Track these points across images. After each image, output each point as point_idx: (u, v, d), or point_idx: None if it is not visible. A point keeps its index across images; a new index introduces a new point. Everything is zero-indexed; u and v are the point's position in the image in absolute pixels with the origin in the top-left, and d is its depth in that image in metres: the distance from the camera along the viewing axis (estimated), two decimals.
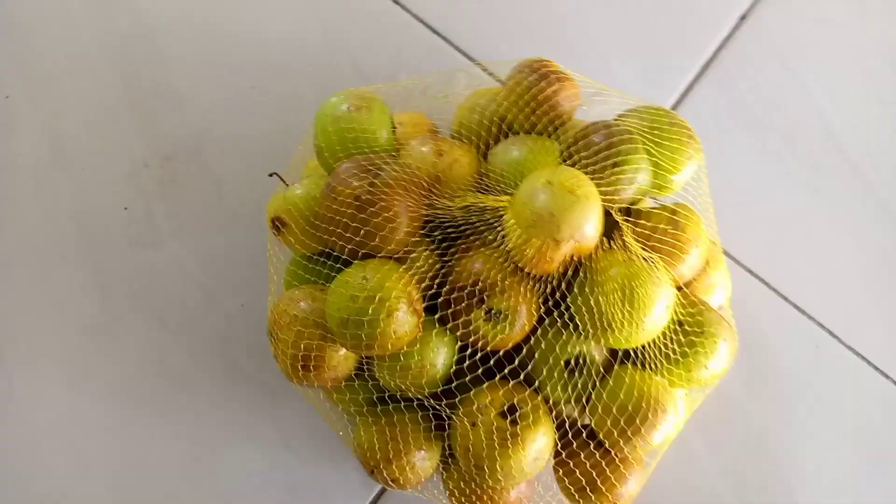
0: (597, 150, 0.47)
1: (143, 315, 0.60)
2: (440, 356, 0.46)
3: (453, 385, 0.46)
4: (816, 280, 0.63)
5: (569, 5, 0.67)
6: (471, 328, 0.44)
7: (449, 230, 0.46)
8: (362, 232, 0.43)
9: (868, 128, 0.66)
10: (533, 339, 0.46)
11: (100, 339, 0.59)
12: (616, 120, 0.50)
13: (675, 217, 0.49)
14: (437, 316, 0.45)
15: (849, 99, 0.67)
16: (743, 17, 0.68)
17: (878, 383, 0.61)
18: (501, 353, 0.47)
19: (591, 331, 0.45)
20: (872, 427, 0.60)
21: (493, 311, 0.44)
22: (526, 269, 0.44)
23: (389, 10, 0.66)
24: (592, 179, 0.46)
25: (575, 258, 0.44)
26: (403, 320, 0.43)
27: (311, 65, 0.64)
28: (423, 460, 0.49)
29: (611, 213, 0.46)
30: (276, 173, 0.51)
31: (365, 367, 0.48)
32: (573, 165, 0.48)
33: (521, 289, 0.45)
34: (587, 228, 0.43)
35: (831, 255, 0.63)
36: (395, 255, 0.45)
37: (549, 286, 0.45)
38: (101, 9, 0.64)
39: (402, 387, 0.46)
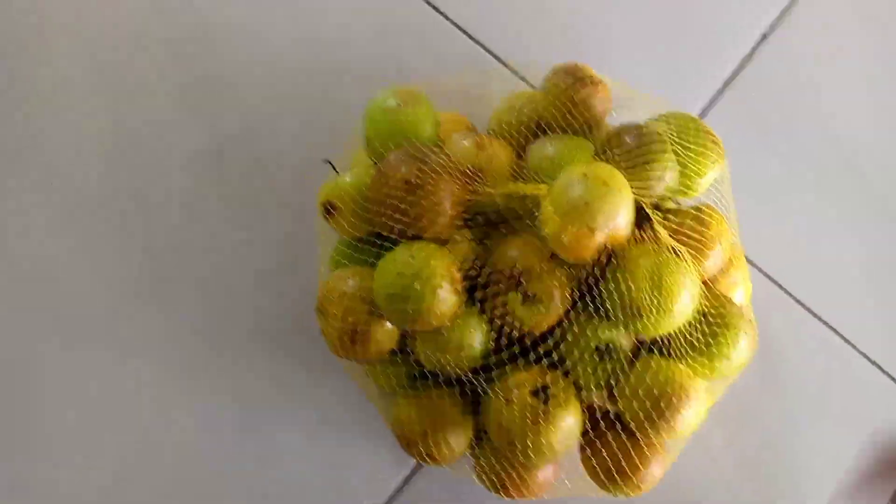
0: (629, 150, 0.50)
1: (193, 295, 0.63)
2: (477, 336, 0.48)
3: (491, 361, 0.49)
4: (830, 286, 0.65)
5: (598, 16, 0.70)
6: (507, 309, 0.47)
7: (490, 217, 0.49)
8: (411, 213, 0.46)
9: (885, 147, 0.69)
10: (565, 324, 0.49)
11: (152, 314, 0.62)
12: (646, 123, 0.54)
13: (700, 215, 0.52)
14: (476, 297, 0.48)
15: (866, 117, 0.69)
16: (764, 36, 0.71)
17: (886, 386, 0.63)
18: (535, 336, 0.49)
19: (620, 317, 0.47)
20: (879, 427, 0.62)
21: (529, 295, 0.47)
22: (561, 256, 0.47)
23: (430, 16, 0.69)
24: (625, 175, 0.49)
25: (608, 247, 0.46)
26: (445, 298, 0.46)
27: (357, 66, 0.67)
28: (458, 438, 0.51)
29: (642, 207, 0.49)
30: (328, 160, 0.54)
31: (407, 345, 0.50)
32: (607, 162, 0.51)
33: (556, 275, 0.47)
34: (619, 218, 0.45)
35: (842, 262, 0.66)
36: (439, 238, 0.48)
37: (582, 274, 0.48)
38: (163, 6, 0.68)
39: (441, 362, 0.48)
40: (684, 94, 0.69)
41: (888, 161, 0.68)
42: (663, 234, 0.48)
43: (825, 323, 0.64)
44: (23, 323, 0.62)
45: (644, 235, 0.48)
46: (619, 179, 0.46)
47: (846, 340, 0.64)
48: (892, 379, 0.63)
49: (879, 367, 0.64)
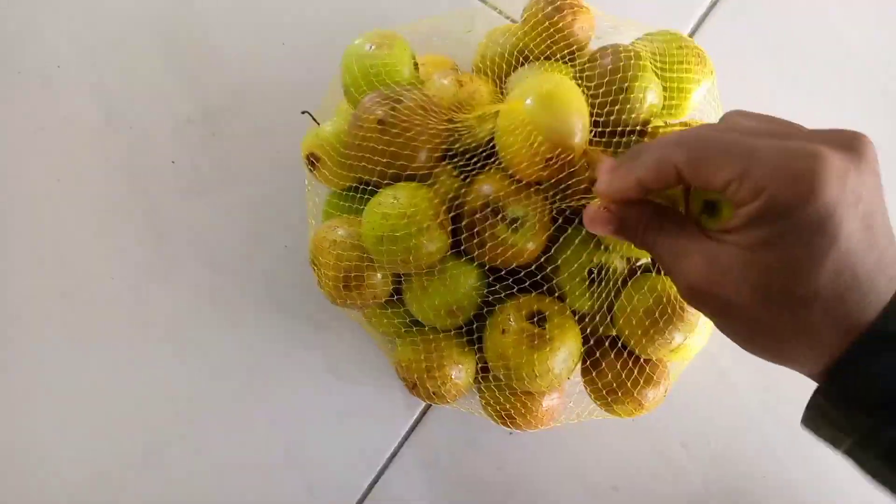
0: (603, 73, 0.49)
1: (194, 259, 0.64)
2: (468, 281, 0.49)
3: (489, 299, 0.49)
4: None
5: None
6: (498, 241, 0.46)
7: (469, 148, 0.49)
8: (388, 153, 0.46)
9: (887, 43, 0.66)
10: (555, 251, 0.49)
11: (155, 282, 0.64)
12: (624, 45, 0.53)
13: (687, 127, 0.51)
14: (462, 238, 0.48)
15: (871, 21, 0.67)
16: None
17: None
18: (528, 269, 0.49)
19: (608, 241, 0.47)
20: None
21: (513, 220, 0.46)
22: (519, 175, 0.46)
23: None
24: (601, 100, 0.49)
25: (561, 161, 0.45)
26: (433, 236, 0.46)
27: (337, 18, 0.67)
28: (460, 372, 0.52)
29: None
30: (307, 112, 0.54)
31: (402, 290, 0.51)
32: (583, 89, 0.50)
33: (531, 195, 0.47)
34: (564, 127, 0.44)
35: None
36: (420, 175, 0.48)
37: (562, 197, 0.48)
38: None
39: (436, 312, 0.49)
40: (673, 12, 0.68)
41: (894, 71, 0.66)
42: None
43: None
44: (30, 309, 0.64)
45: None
46: (564, 91, 0.45)
47: None
48: None
49: None
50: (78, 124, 0.66)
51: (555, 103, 0.44)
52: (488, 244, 0.47)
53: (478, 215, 0.46)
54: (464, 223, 0.47)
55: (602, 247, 0.48)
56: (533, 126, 0.44)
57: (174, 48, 0.67)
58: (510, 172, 0.46)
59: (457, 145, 0.48)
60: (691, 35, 0.67)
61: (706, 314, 0.36)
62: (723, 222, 0.34)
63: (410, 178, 0.48)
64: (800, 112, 0.63)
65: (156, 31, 0.68)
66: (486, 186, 0.47)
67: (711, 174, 0.32)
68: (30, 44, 0.67)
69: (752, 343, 0.35)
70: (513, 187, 0.46)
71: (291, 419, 0.62)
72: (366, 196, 0.50)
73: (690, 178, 0.33)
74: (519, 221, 0.46)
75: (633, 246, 0.47)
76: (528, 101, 0.44)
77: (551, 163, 0.44)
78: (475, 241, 0.47)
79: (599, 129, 0.49)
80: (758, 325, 0.33)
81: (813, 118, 0.63)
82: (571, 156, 0.44)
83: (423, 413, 0.62)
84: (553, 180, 0.45)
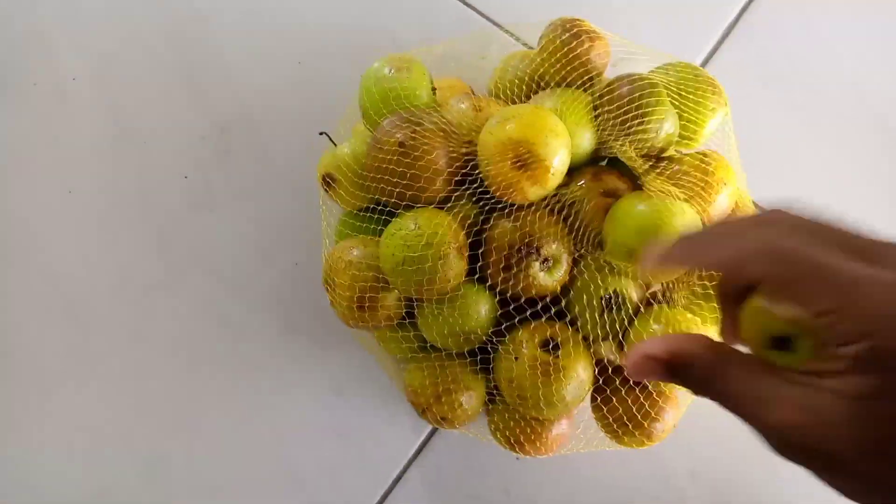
0: (622, 102, 0.50)
1: (203, 274, 0.64)
2: (482, 308, 0.49)
3: (502, 327, 0.49)
4: None
5: None
6: (531, 279, 0.47)
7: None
8: (407, 176, 0.46)
9: (890, 77, 0.67)
10: (570, 279, 0.49)
11: (163, 296, 0.64)
12: (641, 74, 0.53)
13: (703, 161, 0.51)
14: (480, 274, 0.48)
15: (872, 54, 0.68)
16: None
17: None
18: (544, 298, 0.49)
19: (622, 267, 0.47)
20: None
21: (547, 260, 0.47)
22: (499, 195, 0.47)
23: None
24: (619, 127, 0.49)
25: (538, 180, 0.46)
26: (453, 263, 0.46)
27: (351, 39, 0.68)
28: (470, 398, 0.52)
29: (617, 158, 0.49)
30: (325, 133, 0.54)
31: (415, 313, 0.51)
32: (599, 117, 0.50)
33: (561, 234, 0.48)
34: (543, 154, 0.45)
35: (857, 202, 0.64)
36: (438, 200, 0.48)
37: (580, 227, 0.48)
38: None
39: (449, 337, 0.49)
40: (686, 44, 0.68)
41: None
42: (652, 182, 0.48)
43: None
44: (36, 318, 0.64)
45: (637, 183, 0.48)
46: (539, 120, 0.46)
47: None
48: None
49: None
50: (92, 136, 0.66)
51: (534, 133, 0.45)
52: (521, 282, 0.47)
53: (514, 251, 0.47)
54: (495, 257, 0.47)
55: (617, 274, 0.49)
56: (513, 151, 0.45)
57: (190, 65, 0.68)
58: (498, 194, 0.47)
59: (476, 171, 0.48)
60: (703, 65, 0.68)
61: (806, 468, 0.31)
62: (804, 361, 0.29)
63: (428, 202, 0.48)
64: (808, 142, 0.65)
65: (172, 47, 0.68)
66: (512, 222, 0.47)
67: (804, 299, 0.28)
68: (45, 56, 0.67)
69: (870, 500, 0.30)
70: (551, 227, 0.47)
71: (296, 438, 0.61)
72: (382, 217, 0.50)
73: (772, 294, 0.29)
74: (552, 261, 0.47)
75: (646, 272, 0.48)
76: (504, 128, 0.46)
77: (523, 171, 0.45)
78: (504, 275, 0.47)
79: (613, 156, 0.50)
80: (877, 483, 0.29)
81: (820, 149, 0.65)
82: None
83: (430, 436, 0.62)
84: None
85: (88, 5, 0.69)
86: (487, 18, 0.68)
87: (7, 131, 0.66)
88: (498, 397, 0.53)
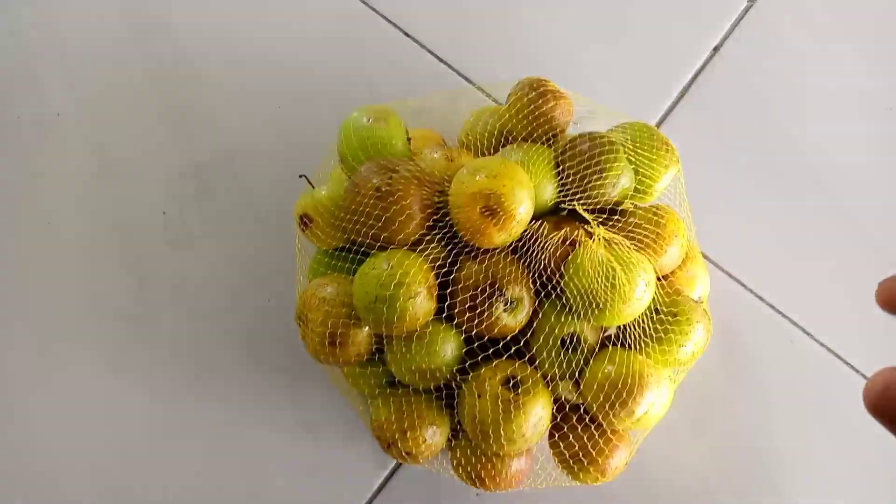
0: (582, 157, 0.54)
1: (176, 309, 0.65)
2: (448, 347, 0.51)
3: (466, 365, 0.52)
4: (787, 279, 0.68)
5: (559, 37, 0.74)
6: (494, 319, 0.50)
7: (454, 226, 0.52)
8: (383, 219, 0.49)
9: (830, 143, 0.72)
10: (531, 321, 0.52)
11: (137, 331, 0.65)
12: (601, 133, 0.57)
13: (656, 215, 0.55)
14: (447, 313, 0.51)
15: (812, 118, 0.73)
16: (716, 49, 0.75)
17: (846, 374, 0.67)
18: (507, 337, 0.52)
19: (580, 311, 0.51)
20: (841, 413, 0.65)
21: (511, 301, 0.50)
22: (467, 240, 0.50)
23: (400, 41, 0.73)
24: (578, 183, 0.53)
25: (504, 227, 0.49)
26: (422, 303, 0.49)
27: (330, 88, 0.71)
28: (435, 434, 0.53)
29: (575, 210, 0.53)
30: (304, 175, 0.57)
31: (384, 349, 0.53)
32: (561, 171, 0.54)
33: (524, 276, 0.51)
34: (508, 204, 0.49)
35: (799, 256, 0.69)
36: (411, 243, 0.51)
37: (541, 272, 0.51)
38: (143, 37, 0.71)
39: (417, 377, 0.51)
40: (643, 105, 0.73)
41: (840, 162, 0.72)
42: (606, 234, 0.51)
43: (782, 314, 0.68)
44: (14, 351, 0.64)
45: (593, 237, 0.52)
46: (506, 172, 0.49)
47: (804, 330, 0.67)
48: (848, 365, 0.67)
49: (842, 360, 0.67)
50: (73, 171, 0.67)
51: (497, 183, 0.49)
52: (485, 321, 0.50)
53: (480, 292, 0.49)
54: (461, 297, 0.50)
55: (575, 316, 0.52)
56: (482, 200, 0.48)
57: (173, 105, 0.70)
58: (466, 238, 0.50)
59: (447, 217, 0.51)
60: (658, 125, 0.73)
61: None
62: None
63: (401, 244, 0.51)
64: (755, 198, 0.70)
65: (156, 87, 0.70)
66: (480, 264, 0.50)
67: None
68: (31, 91, 0.69)
69: None
70: (514, 271, 0.50)
71: (265, 473, 0.62)
72: (357, 256, 0.53)
73: None
74: (515, 303, 0.50)
75: (599, 313, 0.51)
76: (470, 178, 0.49)
77: (491, 219, 0.48)
78: (470, 314, 0.50)
79: (572, 208, 0.53)
80: None
81: (767, 204, 0.69)
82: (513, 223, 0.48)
83: (394, 471, 0.63)
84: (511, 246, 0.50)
85: (76, 43, 0.71)
86: (460, 75, 0.72)
87: None
88: (461, 433, 0.55)
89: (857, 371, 0.66)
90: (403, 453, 0.54)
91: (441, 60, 0.72)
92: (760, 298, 0.68)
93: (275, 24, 0.73)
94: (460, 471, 0.56)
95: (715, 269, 0.68)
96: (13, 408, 0.63)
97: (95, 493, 0.61)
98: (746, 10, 0.75)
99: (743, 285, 0.68)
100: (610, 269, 0.49)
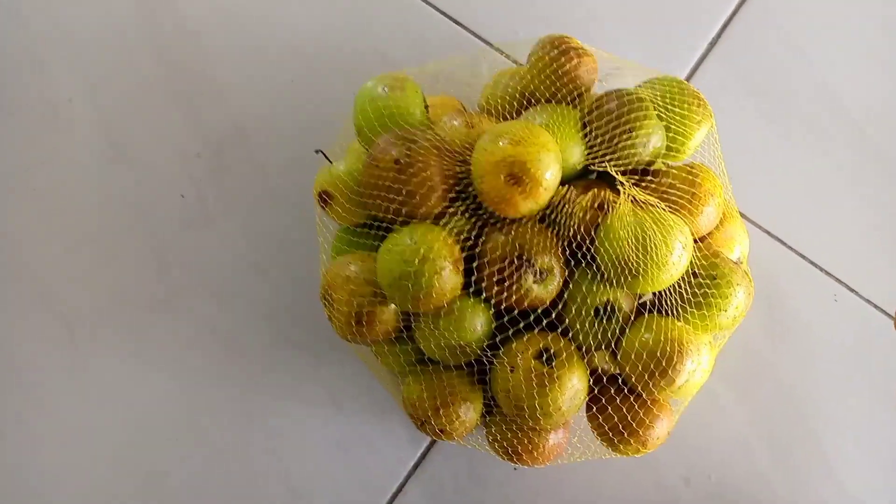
0: (610, 117, 0.51)
1: (198, 290, 0.65)
2: (478, 322, 0.50)
3: (497, 339, 0.50)
4: (829, 235, 0.66)
5: None
6: (524, 291, 0.48)
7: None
8: (403, 192, 0.47)
9: (867, 89, 0.69)
10: (563, 291, 0.50)
11: (159, 313, 0.64)
12: (629, 89, 0.55)
13: (690, 174, 0.53)
14: (475, 287, 0.49)
15: (847, 63, 0.69)
16: None
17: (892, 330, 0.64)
18: (538, 309, 0.50)
19: (614, 278, 0.49)
20: (891, 373, 0.63)
21: (541, 272, 0.48)
22: (492, 210, 0.48)
23: (412, 4, 0.70)
24: (607, 143, 0.50)
25: (531, 195, 0.47)
26: (448, 277, 0.47)
27: (342, 57, 0.69)
28: (468, 410, 0.52)
29: (607, 172, 0.50)
30: (320, 151, 0.55)
31: (412, 326, 0.52)
32: (589, 132, 0.52)
33: (554, 245, 0.49)
34: (534, 170, 0.46)
35: (840, 211, 0.67)
36: (434, 216, 0.49)
37: (571, 239, 0.49)
38: (148, 15, 0.70)
39: (445, 350, 0.50)
40: (671, 59, 0.70)
41: (878, 109, 0.68)
42: (639, 196, 0.49)
43: (825, 271, 0.65)
44: (33, 338, 0.64)
45: (623, 200, 0.49)
46: (531, 136, 0.47)
47: (848, 287, 0.65)
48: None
49: (882, 311, 0.64)
50: (87, 157, 0.67)
51: (523, 149, 0.46)
52: (515, 294, 0.48)
53: (508, 264, 0.48)
54: (489, 270, 0.48)
55: (608, 284, 0.50)
56: (505, 167, 0.46)
57: (184, 84, 0.68)
58: (491, 208, 0.48)
59: (470, 188, 0.49)
60: (688, 79, 0.70)
61: None
62: None
63: (423, 218, 0.49)
64: (790, 152, 0.67)
65: (166, 66, 0.69)
66: (506, 234, 0.48)
67: None
68: (41, 78, 0.68)
69: None
70: (543, 240, 0.48)
71: (295, 453, 0.62)
72: (378, 232, 0.51)
73: None
74: (545, 273, 0.48)
75: (634, 280, 0.49)
76: (494, 146, 0.47)
77: (516, 187, 0.46)
78: (498, 287, 0.48)
79: (602, 170, 0.51)
80: None
81: (802, 157, 0.66)
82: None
83: (428, 448, 0.62)
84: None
85: (82, 27, 0.69)
86: (478, 37, 0.69)
87: (2, 151, 0.67)
88: (495, 408, 0.54)
89: None
90: (437, 430, 0.53)
91: (456, 22, 0.70)
92: (802, 256, 0.65)
93: None
94: (496, 446, 0.55)
95: (753, 227, 0.66)
96: (42, 397, 0.63)
97: (125, 473, 0.62)
98: None
99: (783, 243, 0.66)
100: (643, 233, 0.47)
